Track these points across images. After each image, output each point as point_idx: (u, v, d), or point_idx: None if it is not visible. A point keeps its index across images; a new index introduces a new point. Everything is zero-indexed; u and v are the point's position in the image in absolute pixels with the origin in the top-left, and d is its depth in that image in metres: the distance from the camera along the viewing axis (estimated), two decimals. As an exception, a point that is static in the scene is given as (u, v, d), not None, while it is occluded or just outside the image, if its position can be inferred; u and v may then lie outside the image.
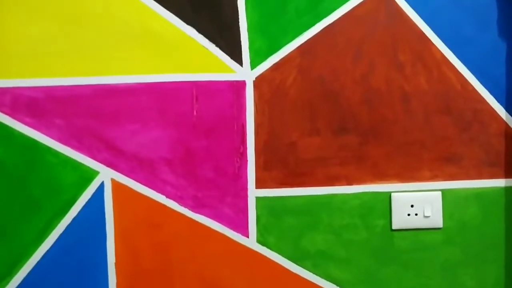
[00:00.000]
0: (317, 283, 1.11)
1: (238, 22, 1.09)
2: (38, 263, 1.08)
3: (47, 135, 1.08)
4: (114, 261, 1.09)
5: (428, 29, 1.10)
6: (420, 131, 1.11)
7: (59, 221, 1.08)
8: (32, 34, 1.07)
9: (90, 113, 1.08)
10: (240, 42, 1.09)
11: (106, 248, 1.09)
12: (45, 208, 1.08)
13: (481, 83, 1.11)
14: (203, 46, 1.09)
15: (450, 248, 1.12)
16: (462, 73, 1.11)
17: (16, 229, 1.08)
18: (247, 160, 1.10)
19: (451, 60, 1.11)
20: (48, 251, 1.08)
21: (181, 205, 1.09)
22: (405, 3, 1.10)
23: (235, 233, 1.10)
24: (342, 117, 1.10)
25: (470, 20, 1.11)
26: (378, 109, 1.11)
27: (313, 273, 1.11)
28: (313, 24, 1.10)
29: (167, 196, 1.09)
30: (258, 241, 1.10)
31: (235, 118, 1.09)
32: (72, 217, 1.09)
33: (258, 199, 1.10)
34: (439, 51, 1.10)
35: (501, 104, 1.11)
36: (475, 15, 1.11)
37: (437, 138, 1.11)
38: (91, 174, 1.09)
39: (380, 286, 1.11)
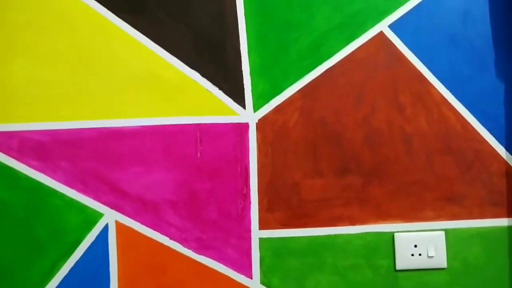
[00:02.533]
0: (322, 325, 1.10)
1: (241, 65, 1.11)
2: (42, 306, 1.08)
3: (52, 178, 1.09)
4: (118, 303, 1.09)
5: (426, 71, 1.12)
6: (422, 171, 1.12)
7: (63, 264, 1.08)
8: (39, 79, 1.09)
9: (95, 156, 1.09)
10: (243, 85, 1.11)
11: (109, 291, 1.09)
12: (50, 250, 1.08)
13: (481, 122, 1.12)
14: (207, 90, 1.10)
15: (455, 289, 1.12)
16: (462, 113, 1.12)
17: (21, 272, 1.07)
18: (250, 202, 1.10)
19: (450, 101, 1.12)
20: (51, 294, 1.08)
21: (185, 247, 1.09)
22: (403, 45, 1.12)
23: (239, 274, 1.10)
24: (345, 158, 1.11)
25: (468, 60, 1.13)
26: (380, 150, 1.12)
27: (318, 315, 1.10)
28: (314, 67, 1.12)
29: (171, 238, 1.09)
30: (262, 283, 1.10)
31: (239, 160, 1.10)
32: (76, 259, 1.09)
33: (261, 240, 1.10)
34: (438, 91, 1.12)
35: (501, 143, 1.12)
36: (473, 55, 1.13)
37: (439, 178, 1.12)
38: (96, 216, 1.09)
39: (386, 327, 1.10)
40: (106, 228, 1.09)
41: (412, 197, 1.11)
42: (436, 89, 1.12)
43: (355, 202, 1.11)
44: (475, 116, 1.12)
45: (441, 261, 1.10)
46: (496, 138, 1.12)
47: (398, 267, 1.10)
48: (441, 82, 1.12)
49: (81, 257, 1.09)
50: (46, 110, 1.09)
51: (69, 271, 1.08)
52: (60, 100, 1.09)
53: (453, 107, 1.12)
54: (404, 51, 1.12)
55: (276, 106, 1.11)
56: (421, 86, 1.12)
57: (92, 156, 1.09)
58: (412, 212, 1.11)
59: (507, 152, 1.12)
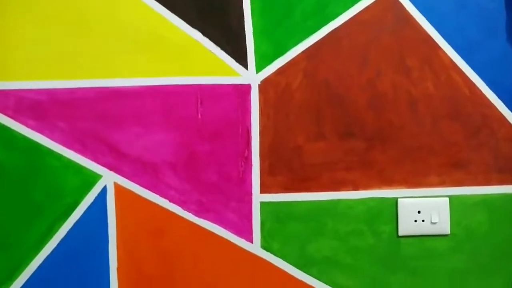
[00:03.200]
0: (322, 290, 1.09)
1: (244, 25, 1.08)
2: (39, 268, 1.07)
3: (50, 138, 1.07)
4: (116, 266, 1.07)
5: (436, 34, 1.09)
6: (427, 136, 1.09)
7: (61, 226, 1.07)
8: (36, 37, 1.06)
9: (93, 116, 1.07)
10: (245, 45, 1.08)
11: (108, 253, 1.07)
12: (47, 212, 1.07)
13: (490, 87, 1.10)
14: (209, 50, 1.08)
15: (458, 256, 1.10)
16: (470, 77, 1.10)
17: (17, 233, 1.06)
18: (251, 165, 1.08)
19: (459, 65, 1.10)
20: (49, 255, 1.07)
21: (185, 210, 1.08)
22: (413, 7, 1.09)
23: (239, 238, 1.08)
24: (348, 121, 1.09)
25: (478, 25, 1.10)
26: (384, 114, 1.09)
27: (319, 280, 1.09)
28: (319, 28, 1.09)
29: (170, 201, 1.08)
30: (263, 247, 1.09)
31: (240, 122, 1.08)
32: (74, 221, 1.07)
33: (262, 204, 1.08)
34: (447, 55, 1.09)
35: (510, 109, 1.10)
36: (483, 20, 1.10)
37: (444, 143, 1.10)
38: (94, 178, 1.07)
39: (387, 293, 1.10)
40: (104, 190, 1.08)
41: (417, 163, 1.09)
42: (445, 52, 1.09)
43: (358, 166, 1.09)
44: (483, 81, 1.10)
45: (444, 227, 1.09)
46: (505, 103, 1.10)
47: (400, 233, 1.09)
48: (451, 45, 1.09)
49: (79, 219, 1.07)
50: (44, 69, 1.06)
51: (67, 233, 1.07)
52: (58, 59, 1.06)
53: (461, 71, 1.10)
54: (413, 13, 1.09)
55: (279, 68, 1.09)
56: (429, 49, 1.09)
57: (90, 116, 1.07)
58: (416, 177, 1.10)
59: (515, 118, 1.10)
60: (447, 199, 1.09)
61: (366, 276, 1.09)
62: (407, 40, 1.09)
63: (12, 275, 1.06)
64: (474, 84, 1.10)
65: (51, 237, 1.07)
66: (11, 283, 1.06)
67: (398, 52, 1.09)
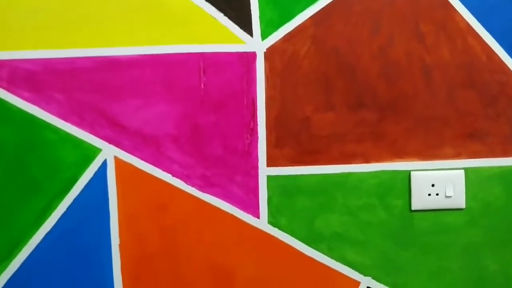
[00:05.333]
0: (332, 267, 1.06)
1: (249, -11, 1.03)
2: (39, 245, 1.04)
3: (46, 110, 1.03)
4: (118, 243, 1.05)
5: (451, -4, 1.04)
6: (442, 106, 1.05)
7: (60, 202, 1.04)
8: (31, 4, 1.01)
9: (91, 87, 1.03)
10: (250, 11, 1.03)
11: (109, 230, 1.05)
12: (45, 188, 1.04)
13: (508, 54, 1.05)
14: (211, 16, 1.03)
15: (473, 230, 1.07)
16: (488, 43, 1.05)
17: (15, 210, 1.03)
18: (257, 137, 1.04)
19: (476, 30, 1.05)
20: (49, 233, 1.04)
21: (188, 185, 1.05)
22: (427, -31, 1.04)
23: (245, 213, 1.05)
24: (359, 91, 1.04)
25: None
26: (397, 83, 1.05)
27: (328, 256, 1.06)
28: (328, -8, 1.04)
29: (174, 175, 1.04)
30: (270, 222, 1.05)
31: (245, 92, 1.04)
32: (74, 197, 1.04)
33: (269, 178, 1.05)
34: (464, 20, 1.04)
35: (530, 76, 1.05)
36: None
37: (460, 113, 1.05)
38: (93, 152, 1.04)
39: (398, 269, 1.06)
40: (104, 164, 1.04)
41: (431, 134, 1.05)
42: (461, 16, 1.04)
43: (369, 138, 1.05)
44: (502, 47, 1.05)
45: (459, 201, 1.05)
46: (524, 71, 1.05)
47: (413, 207, 1.05)
48: (468, 9, 1.04)
49: (79, 195, 1.05)
50: (39, 37, 1.01)
51: (67, 209, 1.05)
52: (54, 27, 1.01)
53: (479, 36, 1.05)
54: (427, -25, 1.04)
55: (286, 34, 1.04)
56: (445, 14, 1.04)
57: (88, 87, 1.03)
58: (430, 149, 1.06)
59: (535, 86, 1.05)
60: (462, 171, 1.05)
61: (378, 252, 1.06)
62: (422, 4, 1.04)
63: (12, 253, 1.04)
64: (492, 50, 1.05)
65: (51, 213, 1.04)
66: (11, 261, 1.04)
67: (412, 17, 1.04)
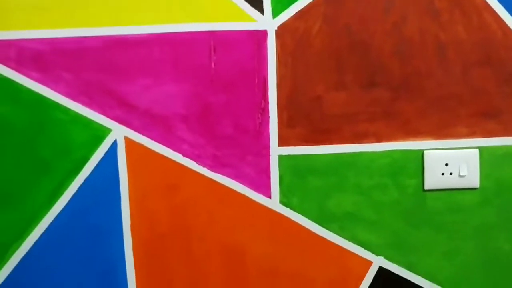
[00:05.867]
0: (344, 247, 1.05)
1: (258, -34, 1.01)
2: (50, 226, 1.04)
3: (55, 90, 1.02)
4: (129, 223, 1.05)
5: (467, -28, 1.02)
6: (456, 84, 1.03)
7: (70, 183, 1.04)
8: (37, -18, 0.99)
9: (100, 67, 1.01)
10: (260, -12, 1.01)
11: (120, 210, 1.04)
12: (55, 168, 1.03)
13: (525, 30, 1.03)
14: (221, -7, 1.01)
15: (486, 210, 1.05)
16: (505, 19, 1.02)
17: (25, 192, 1.03)
18: (269, 116, 1.03)
19: (492, 6, 1.02)
20: (60, 213, 1.04)
21: (199, 164, 1.04)
22: None
23: (256, 193, 1.04)
24: (372, 69, 1.02)
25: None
26: (410, 61, 1.03)
27: (340, 236, 1.05)
28: (340, -32, 1.01)
29: (184, 155, 1.03)
30: (281, 202, 1.04)
31: (256, 71, 1.02)
32: (84, 177, 1.04)
33: (281, 157, 1.03)
34: (480, -5, 1.02)
35: (547, 53, 1.03)
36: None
37: (475, 92, 1.03)
38: (103, 132, 1.03)
39: (411, 249, 1.06)
40: (114, 144, 1.04)
41: (445, 112, 1.03)
42: (477, -8, 1.02)
43: (382, 117, 1.03)
44: (519, 23, 1.03)
45: (473, 180, 1.04)
46: (541, 48, 1.03)
47: (426, 186, 1.04)
48: (484, -16, 1.02)
49: (90, 175, 1.04)
50: (46, 17, 1.00)
51: (77, 190, 1.04)
52: (61, 6, 1.00)
53: (495, 12, 1.02)
54: (442, -51, 1.01)
55: (297, 12, 1.02)
56: (459, -11, 1.02)
57: (96, 66, 1.01)
58: (444, 128, 1.04)
59: (552, 64, 1.03)
60: (476, 150, 1.04)
61: (390, 232, 1.05)
62: (436, -20, 1.01)
63: (23, 234, 1.04)
64: (508, 27, 1.02)
65: (61, 194, 1.04)
66: (22, 242, 1.04)
67: (426, -7, 1.02)
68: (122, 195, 1.04)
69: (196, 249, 1.05)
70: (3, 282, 1.04)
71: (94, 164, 1.03)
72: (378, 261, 1.06)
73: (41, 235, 1.04)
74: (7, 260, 1.03)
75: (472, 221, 1.05)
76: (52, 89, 1.01)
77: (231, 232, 1.05)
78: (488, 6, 1.02)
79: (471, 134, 1.04)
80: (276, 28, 1.02)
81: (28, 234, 1.04)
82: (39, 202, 1.03)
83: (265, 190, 1.04)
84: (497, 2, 1.02)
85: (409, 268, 1.06)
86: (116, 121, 1.03)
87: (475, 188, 1.05)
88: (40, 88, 1.01)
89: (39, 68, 1.01)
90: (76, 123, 1.02)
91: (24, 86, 1.01)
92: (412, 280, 1.06)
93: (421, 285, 1.06)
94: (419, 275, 1.06)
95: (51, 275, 1.04)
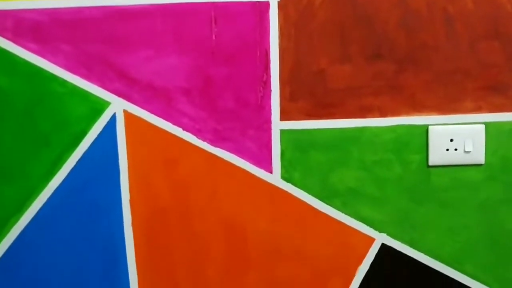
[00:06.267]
0: (346, 223, 1.04)
1: None
2: (49, 200, 1.03)
3: (53, 62, 1.00)
4: (128, 198, 1.03)
5: None
6: (463, 58, 1.00)
7: (69, 156, 1.02)
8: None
9: (99, 38, 0.99)
10: (263, -44, 0.98)
11: (120, 185, 1.03)
12: (54, 141, 1.02)
13: (535, 2, 1.00)
14: (223, -38, 0.98)
15: (492, 186, 1.03)
16: (514, -9, 0.99)
17: (24, 165, 1.02)
18: (270, 90, 1.01)
19: (502, -23, 0.99)
20: (59, 187, 1.03)
21: (200, 139, 1.02)
22: None
23: (257, 168, 1.03)
24: (377, 42, 1.00)
25: None
26: (417, 34, 1.00)
27: (342, 212, 1.04)
28: None
29: (184, 129, 1.02)
30: (283, 178, 1.03)
31: (258, 43, 1.00)
32: (83, 151, 1.03)
33: (283, 132, 1.02)
34: (489, -35, 0.99)
35: (557, 26, 1.00)
36: None
37: (482, 66, 1.01)
38: (102, 105, 1.01)
39: (414, 226, 1.04)
40: (113, 118, 1.02)
41: (451, 87, 1.01)
42: (486, -39, 0.99)
43: (386, 91, 1.01)
44: (529, -5, 1.00)
45: (479, 157, 1.02)
46: (551, 20, 1.00)
47: (431, 162, 1.02)
48: (493, -47, 0.99)
49: (88, 149, 1.03)
50: (43, -14, 0.98)
51: (76, 164, 1.03)
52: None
53: (504, -16, 0.99)
54: None
55: (301, -18, 0.99)
56: (468, -41, 0.99)
57: (95, 38, 0.99)
58: (450, 103, 1.02)
59: (562, 37, 1.00)
60: (483, 126, 1.01)
61: (393, 209, 1.04)
62: (444, -51, 0.98)
63: (22, 207, 1.03)
64: (517, -1, 1.00)
65: (60, 168, 1.03)
66: (21, 215, 1.03)
67: (434, -37, 0.99)
68: (121, 170, 1.03)
69: (197, 224, 1.04)
70: (1, 256, 1.03)
71: (93, 138, 1.02)
72: (381, 238, 1.04)
73: (40, 209, 1.03)
74: (6, 233, 1.03)
75: (476, 197, 1.03)
76: (50, 61, 1.00)
77: (231, 207, 1.03)
78: (497, -22, 0.99)
79: (478, 109, 1.02)
80: (278, -1, 1.00)
81: (27, 208, 1.03)
82: (38, 176, 1.02)
83: (267, 165, 1.02)
84: (507, -27, 0.99)
85: (412, 245, 1.04)
86: (115, 94, 1.01)
87: (481, 164, 1.03)
88: (37, 60, 1.00)
89: (37, 39, 0.99)
90: (74, 96, 1.01)
91: (21, 58, 0.99)
92: (415, 257, 1.04)
93: (424, 262, 1.04)
94: (422, 252, 1.04)
95: (49, 249, 1.04)
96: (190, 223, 1.04)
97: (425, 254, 1.04)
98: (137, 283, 1.05)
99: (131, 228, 1.04)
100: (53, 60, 1.00)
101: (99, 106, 1.01)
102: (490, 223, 1.04)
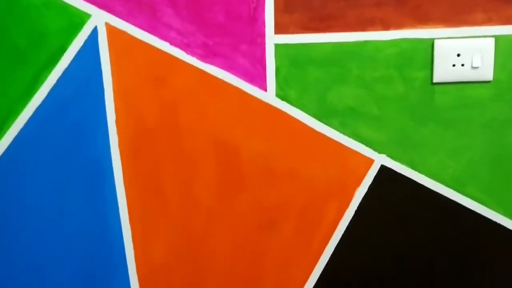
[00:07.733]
0: (344, 144, 0.99)
1: None
2: (29, 121, 0.99)
3: (26, -31, 0.92)
4: (114, 119, 0.99)
5: None
6: (474, -37, 0.93)
7: (48, 74, 0.98)
8: None
9: None
10: None
11: (104, 105, 0.99)
12: (31, 58, 0.97)
13: None
14: None
15: (499, 105, 0.98)
16: None
17: (0, 84, 0.96)
18: (264, 0, 0.94)
19: None
20: (39, 107, 0.99)
21: (188, 54, 0.96)
22: None
23: (251, 86, 0.97)
24: None
25: None
26: None
27: (340, 132, 0.99)
28: None
29: (172, 44, 0.95)
30: (278, 96, 0.98)
31: None
32: (63, 69, 0.98)
33: (277, 46, 0.96)
34: None
35: None
36: None
37: (494, -28, 0.93)
38: (82, 18, 0.95)
39: (416, 146, 0.99)
40: (95, 32, 0.96)
41: (460, -3, 0.94)
42: None
43: (389, 2, 0.94)
44: None
45: (486, 73, 0.96)
46: None
47: (435, 79, 0.96)
48: None
49: (68, 66, 0.98)
50: None
51: (56, 82, 0.99)
52: None
53: None
54: None
55: None
56: None
57: None
58: (457, 15, 0.95)
59: None
60: (492, 39, 0.95)
61: (394, 128, 0.99)
62: None
63: (1, 129, 0.98)
64: None
65: (38, 87, 0.98)
66: (1, 137, 0.99)
67: None
68: (105, 88, 0.98)
69: (187, 145, 0.99)
70: (-19, 179, 0.99)
71: (73, 54, 0.97)
72: (380, 159, 1.00)
73: (20, 131, 0.99)
74: (-16, 156, 0.99)
75: (482, 117, 0.98)
76: (23, -33, 0.92)
77: (223, 127, 0.98)
78: None
79: (487, 21, 0.95)
80: None
81: (5, 130, 0.99)
82: (16, 94, 0.98)
83: (260, 82, 0.97)
84: None
85: (413, 167, 1.00)
86: (96, 5, 0.95)
87: (488, 81, 0.97)
88: (9, -33, 0.92)
89: None
90: (51, 8, 0.95)
91: (-9, -36, 0.92)
92: (416, 179, 1.00)
93: (425, 184, 1.00)
94: (423, 174, 1.00)
95: (30, 171, 1.00)
96: (180, 144, 0.99)
97: (426, 175, 1.00)
98: (126, 205, 1.01)
99: (117, 149, 0.99)
100: (26, -34, 0.92)
101: (79, 19, 0.95)
102: (495, 143, 0.99)
